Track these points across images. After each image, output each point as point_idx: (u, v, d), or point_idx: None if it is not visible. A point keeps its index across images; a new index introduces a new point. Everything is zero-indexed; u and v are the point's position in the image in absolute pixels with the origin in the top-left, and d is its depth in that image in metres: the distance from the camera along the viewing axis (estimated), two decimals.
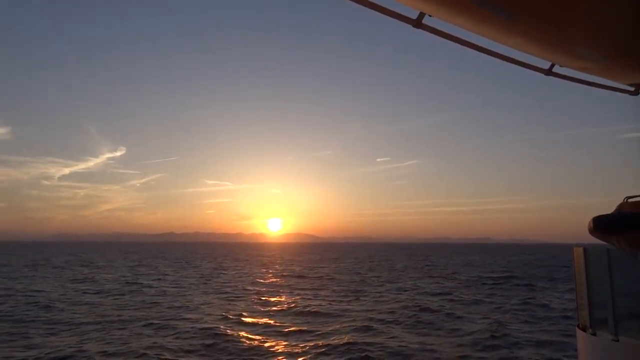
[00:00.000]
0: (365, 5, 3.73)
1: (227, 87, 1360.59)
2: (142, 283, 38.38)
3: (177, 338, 17.41)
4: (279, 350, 15.81)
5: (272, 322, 21.15)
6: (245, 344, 16.61)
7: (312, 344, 16.61)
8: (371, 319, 21.27)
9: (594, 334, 5.08)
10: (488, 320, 21.08)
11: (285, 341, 17.20)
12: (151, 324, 19.97)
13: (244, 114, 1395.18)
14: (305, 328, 19.60)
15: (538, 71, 4.90)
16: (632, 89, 5.31)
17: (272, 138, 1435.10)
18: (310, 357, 14.96)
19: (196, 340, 16.95)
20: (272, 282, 42.00)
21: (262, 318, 22.16)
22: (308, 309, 24.58)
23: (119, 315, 22.01)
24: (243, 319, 21.77)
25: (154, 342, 16.43)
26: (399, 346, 16.19)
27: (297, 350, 15.84)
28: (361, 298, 29.19)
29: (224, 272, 54.25)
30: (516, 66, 4.78)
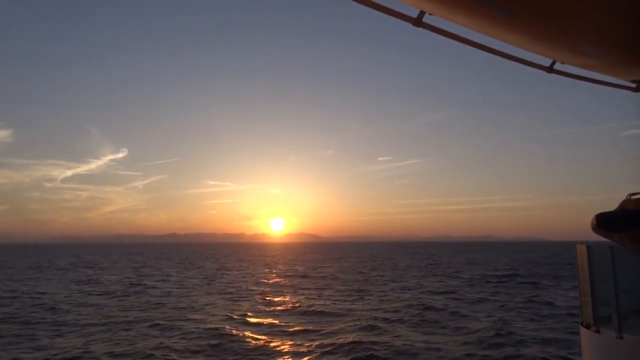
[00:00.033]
0: (366, 4, 3.72)
1: (228, 88, 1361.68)
2: (146, 284, 38.49)
3: (183, 338, 17.48)
4: (285, 350, 15.86)
5: (277, 322, 21.20)
6: (251, 344, 16.66)
7: (317, 343, 16.66)
8: (376, 318, 21.30)
9: (597, 332, 4.99)
10: (493, 318, 21.09)
11: (291, 341, 17.25)
12: (157, 324, 20.05)
13: (245, 114, 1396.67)
14: (310, 327, 19.65)
15: (539, 68, 4.87)
16: (634, 85, 5.26)
17: (273, 138, 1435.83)
18: (316, 356, 15.01)
19: (202, 341, 17.02)
20: (276, 282, 42.05)
21: (266, 318, 22.21)
22: (312, 308, 24.63)
23: (124, 317, 22.10)
24: (248, 319, 21.84)
25: (160, 343, 16.51)
26: (404, 345, 16.22)
27: (303, 349, 15.89)
28: (365, 297, 29.21)
29: (227, 272, 54.33)
30: (517, 64, 4.75)
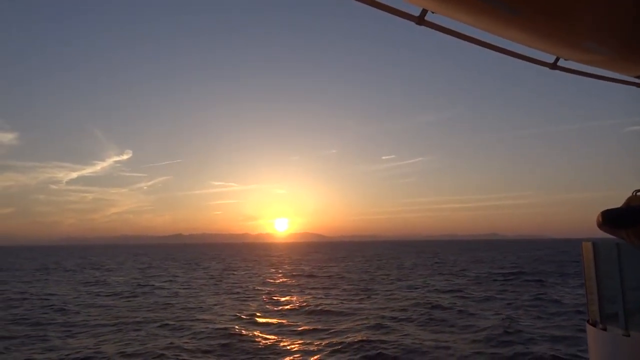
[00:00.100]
0: (368, 3, 3.71)
1: (231, 88, 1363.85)
2: (153, 285, 38.67)
3: (192, 338, 17.60)
4: (295, 349, 15.96)
5: (285, 321, 21.31)
6: (260, 343, 16.77)
7: (326, 342, 16.75)
8: (383, 317, 21.36)
9: (604, 329, 5.00)
10: (500, 316, 21.10)
11: (300, 340, 17.35)
12: (166, 324, 20.19)
13: (248, 114, 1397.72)
14: (318, 327, 19.74)
15: (543, 65, 4.83)
16: (638, 81, 5.21)
17: (276, 138, 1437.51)
18: (326, 355, 15.10)
19: (212, 340, 17.13)
20: (282, 282, 42.16)
21: (275, 317, 22.32)
22: (320, 307, 24.71)
23: (133, 317, 22.24)
24: (256, 318, 21.95)
25: (171, 343, 16.64)
26: (412, 343, 16.29)
27: (312, 348, 15.98)
28: (372, 296, 29.26)
29: (233, 272, 54.48)
30: (520, 60, 4.73)
